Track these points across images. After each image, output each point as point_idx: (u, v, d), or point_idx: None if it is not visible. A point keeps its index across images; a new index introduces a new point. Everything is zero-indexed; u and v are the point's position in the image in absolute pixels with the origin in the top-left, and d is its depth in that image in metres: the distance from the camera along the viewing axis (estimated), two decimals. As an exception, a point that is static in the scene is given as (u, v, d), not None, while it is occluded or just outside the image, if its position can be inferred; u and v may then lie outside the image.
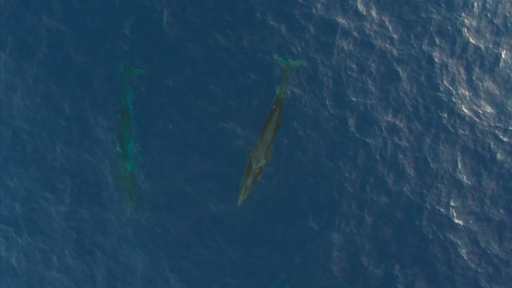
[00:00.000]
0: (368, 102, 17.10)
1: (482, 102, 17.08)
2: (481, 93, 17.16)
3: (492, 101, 17.12)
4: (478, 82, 17.18)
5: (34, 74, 17.49)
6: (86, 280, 17.05)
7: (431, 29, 17.33)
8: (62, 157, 17.30)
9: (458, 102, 17.04)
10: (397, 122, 17.09)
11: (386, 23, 17.36)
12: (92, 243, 17.05)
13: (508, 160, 16.91)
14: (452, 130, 16.99)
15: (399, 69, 17.21)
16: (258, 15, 17.47)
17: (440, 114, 17.04)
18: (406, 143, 17.00)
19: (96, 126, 17.26)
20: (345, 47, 17.28)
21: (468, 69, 17.22)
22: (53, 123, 17.41)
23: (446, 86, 17.08)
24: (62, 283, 17.06)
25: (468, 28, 17.37)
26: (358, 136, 17.05)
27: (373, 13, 17.40)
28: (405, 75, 17.17)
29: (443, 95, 17.08)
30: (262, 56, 17.38)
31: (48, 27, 17.64)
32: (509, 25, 17.35)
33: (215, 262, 16.84)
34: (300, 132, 17.12)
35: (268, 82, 17.27)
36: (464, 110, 17.04)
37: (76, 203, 17.13)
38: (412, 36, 17.34)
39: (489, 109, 17.07)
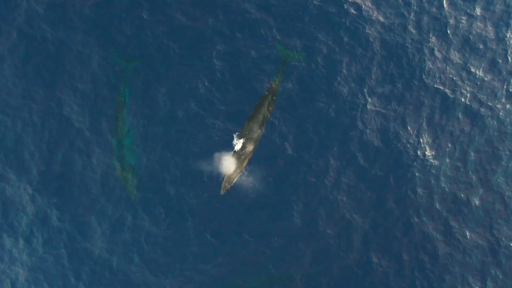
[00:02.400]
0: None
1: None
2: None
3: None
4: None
5: (27, 66, 17.53)
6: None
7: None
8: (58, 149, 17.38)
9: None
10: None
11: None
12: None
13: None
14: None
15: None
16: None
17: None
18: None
19: (93, 119, 17.36)
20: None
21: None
22: (49, 115, 17.44)
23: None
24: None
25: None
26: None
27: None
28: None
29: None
30: (260, 45, 17.65)
31: (42, 19, 17.70)
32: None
33: (198, 252, 16.97)
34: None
35: (265, 70, 17.55)
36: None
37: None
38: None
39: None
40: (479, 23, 18.35)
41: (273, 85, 17.08)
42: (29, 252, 16.96)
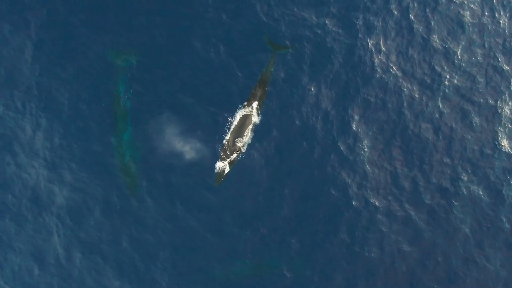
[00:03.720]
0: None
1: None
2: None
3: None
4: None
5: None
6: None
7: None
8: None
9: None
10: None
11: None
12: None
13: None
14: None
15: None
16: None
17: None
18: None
19: (90, 115, 17.62)
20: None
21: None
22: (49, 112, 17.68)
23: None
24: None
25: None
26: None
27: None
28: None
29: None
30: (252, 37, 18.07)
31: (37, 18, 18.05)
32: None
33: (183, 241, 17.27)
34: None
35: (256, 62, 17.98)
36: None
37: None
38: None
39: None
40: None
41: (264, 77, 17.35)
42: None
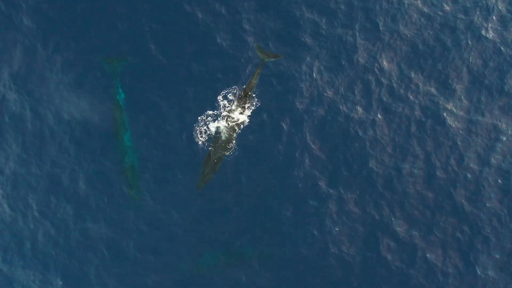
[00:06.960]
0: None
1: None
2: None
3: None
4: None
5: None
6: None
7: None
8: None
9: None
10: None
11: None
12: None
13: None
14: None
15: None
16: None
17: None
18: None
19: (89, 122, 18.58)
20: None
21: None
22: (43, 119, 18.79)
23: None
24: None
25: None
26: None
27: None
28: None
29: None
30: (241, 46, 18.62)
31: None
32: None
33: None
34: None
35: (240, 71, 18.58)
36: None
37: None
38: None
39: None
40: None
41: (249, 86, 18.00)
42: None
